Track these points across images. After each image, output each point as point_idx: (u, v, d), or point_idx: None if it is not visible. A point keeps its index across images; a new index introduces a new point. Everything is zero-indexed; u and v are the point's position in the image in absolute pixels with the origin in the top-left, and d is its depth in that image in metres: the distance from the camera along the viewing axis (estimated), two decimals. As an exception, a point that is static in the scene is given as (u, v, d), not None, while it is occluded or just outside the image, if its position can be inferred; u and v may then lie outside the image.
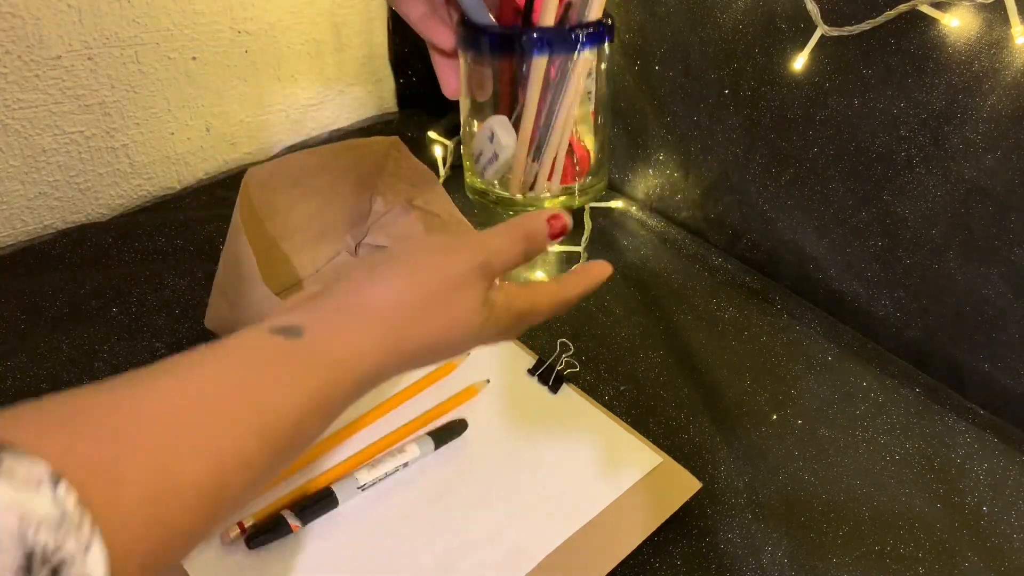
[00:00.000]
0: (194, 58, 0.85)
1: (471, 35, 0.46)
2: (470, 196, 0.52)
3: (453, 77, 0.49)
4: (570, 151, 0.49)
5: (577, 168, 0.50)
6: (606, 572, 0.54)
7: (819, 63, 0.72)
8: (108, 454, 0.27)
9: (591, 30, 0.45)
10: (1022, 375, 0.70)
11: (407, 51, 1.02)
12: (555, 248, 0.82)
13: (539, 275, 0.79)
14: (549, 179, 0.49)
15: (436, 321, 0.38)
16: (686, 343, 0.73)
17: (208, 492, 0.29)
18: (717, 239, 0.85)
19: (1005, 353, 0.70)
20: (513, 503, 0.58)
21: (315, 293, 0.39)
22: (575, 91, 0.46)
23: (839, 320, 0.77)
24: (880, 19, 0.66)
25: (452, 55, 0.49)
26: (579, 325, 0.74)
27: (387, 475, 0.58)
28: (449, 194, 0.71)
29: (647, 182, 0.88)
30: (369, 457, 0.59)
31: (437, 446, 0.60)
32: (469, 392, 0.64)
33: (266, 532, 0.54)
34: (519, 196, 0.49)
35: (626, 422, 0.64)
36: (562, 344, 0.71)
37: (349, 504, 0.57)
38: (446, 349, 0.40)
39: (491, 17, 0.46)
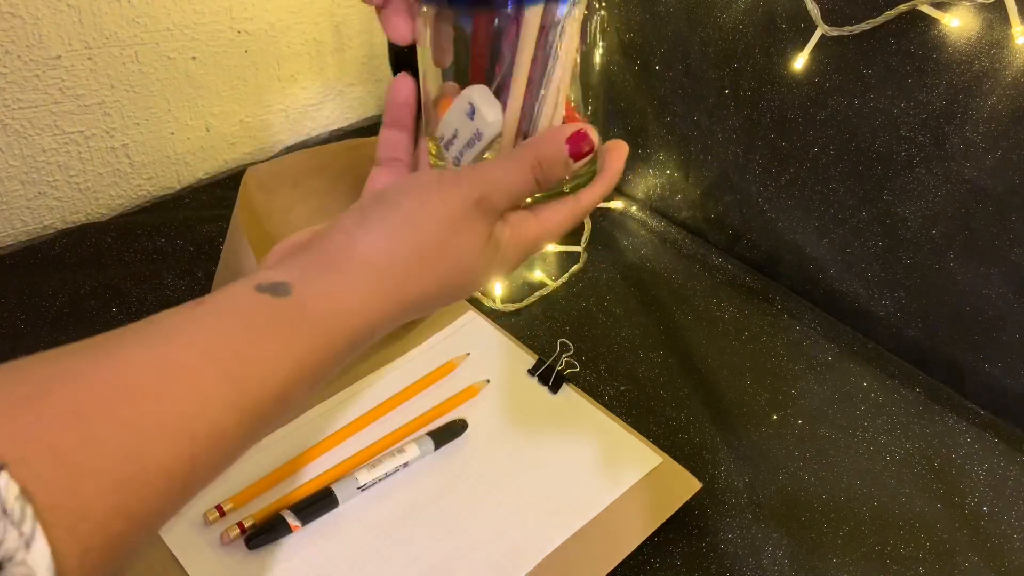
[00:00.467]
0: (194, 58, 0.85)
1: None
2: None
3: (402, 21, 0.42)
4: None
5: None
6: (606, 572, 0.54)
7: (819, 63, 0.72)
8: (68, 441, 0.25)
9: None
10: (1022, 375, 0.70)
11: (407, 51, 1.02)
12: (554, 248, 0.82)
13: (538, 274, 0.79)
14: None
15: (436, 269, 0.36)
16: (686, 343, 0.73)
17: (178, 475, 0.28)
18: (717, 239, 0.85)
19: (1005, 353, 0.70)
20: (513, 503, 0.58)
21: (304, 244, 0.36)
22: (569, 49, 0.39)
23: (839, 320, 0.77)
24: (880, 19, 0.66)
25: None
26: (579, 325, 0.74)
27: (387, 475, 0.58)
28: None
29: (647, 182, 0.88)
30: (369, 457, 0.59)
31: (437, 446, 0.60)
32: (469, 392, 0.64)
33: (266, 532, 0.54)
34: None
35: (626, 422, 0.64)
36: (562, 344, 0.71)
37: (349, 504, 0.57)
38: (450, 295, 0.37)
39: None
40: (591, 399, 0.65)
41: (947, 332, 0.73)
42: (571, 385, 0.66)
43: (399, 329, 0.69)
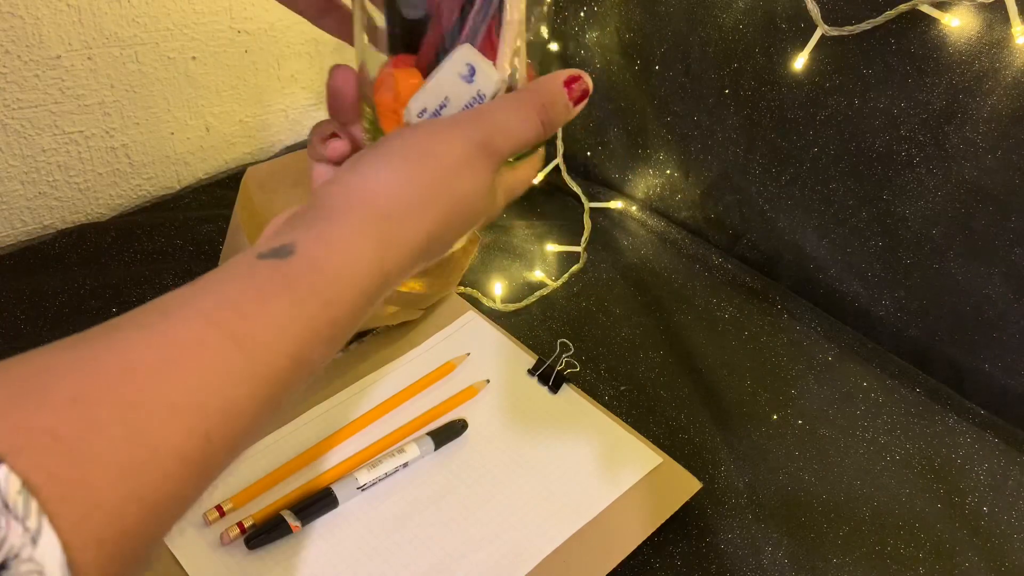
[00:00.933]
0: (194, 58, 0.85)
1: None
2: None
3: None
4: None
5: None
6: (606, 572, 0.54)
7: (819, 63, 0.72)
8: (71, 428, 0.24)
9: None
10: (1022, 375, 0.70)
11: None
12: (554, 248, 0.82)
13: (538, 274, 0.79)
14: None
15: (440, 210, 0.34)
16: (686, 343, 0.73)
17: (192, 456, 0.26)
18: (717, 239, 0.85)
19: (1005, 353, 0.70)
20: (513, 503, 0.58)
21: (298, 210, 0.34)
22: None
23: (839, 320, 0.77)
24: (880, 19, 0.66)
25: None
26: (579, 325, 0.74)
27: (387, 475, 0.58)
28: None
29: (647, 182, 0.88)
30: (369, 457, 0.59)
31: (437, 446, 0.60)
32: (469, 392, 0.64)
33: (266, 532, 0.54)
34: None
35: (626, 422, 0.64)
36: (562, 344, 0.71)
37: (349, 504, 0.57)
38: (453, 238, 0.36)
39: None
40: (591, 399, 0.65)
41: (947, 332, 0.73)
42: (571, 385, 0.66)
43: (399, 329, 0.69)
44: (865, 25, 0.67)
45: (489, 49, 0.38)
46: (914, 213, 0.71)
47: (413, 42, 0.38)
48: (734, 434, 0.65)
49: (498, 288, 0.77)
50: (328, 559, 0.54)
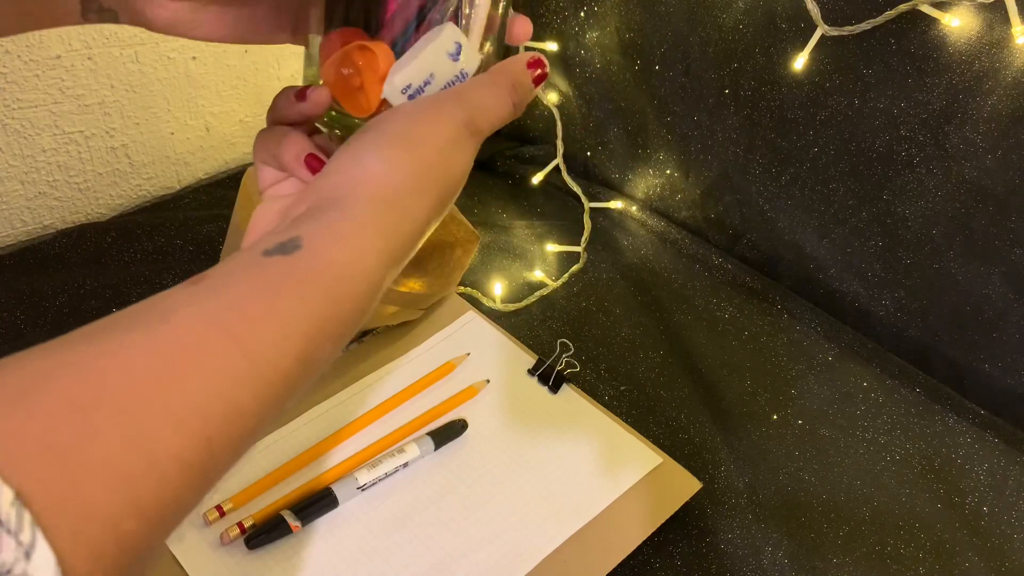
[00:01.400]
0: (194, 58, 0.85)
1: None
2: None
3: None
4: None
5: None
6: (606, 572, 0.54)
7: (819, 63, 0.72)
8: (65, 436, 0.23)
9: None
10: (1022, 375, 0.70)
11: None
12: (554, 248, 0.82)
13: (538, 274, 0.79)
14: None
15: (434, 191, 0.34)
16: (686, 343, 0.73)
17: (193, 462, 0.25)
18: (717, 239, 0.85)
19: (1005, 353, 0.70)
20: (513, 503, 0.58)
21: (300, 203, 0.34)
22: None
23: (839, 320, 0.77)
24: (880, 19, 0.66)
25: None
26: (579, 325, 0.74)
27: (387, 475, 0.58)
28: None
29: (647, 182, 0.88)
30: (369, 457, 0.59)
31: (437, 446, 0.60)
32: (469, 392, 0.64)
33: (266, 532, 0.54)
34: None
35: (626, 422, 0.64)
36: (562, 344, 0.71)
37: (349, 504, 0.57)
38: (439, 215, 0.36)
39: None
40: (591, 399, 0.65)
41: (947, 332, 0.73)
42: (571, 385, 0.66)
43: (399, 329, 0.69)
44: (865, 25, 0.67)
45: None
46: (914, 213, 0.71)
47: (351, 16, 0.38)
48: (734, 434, 0.65)
49: (498, 288, 0.77)
50: (328, 559, 0.54)
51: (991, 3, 0.62)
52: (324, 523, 0.56)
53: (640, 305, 0.77)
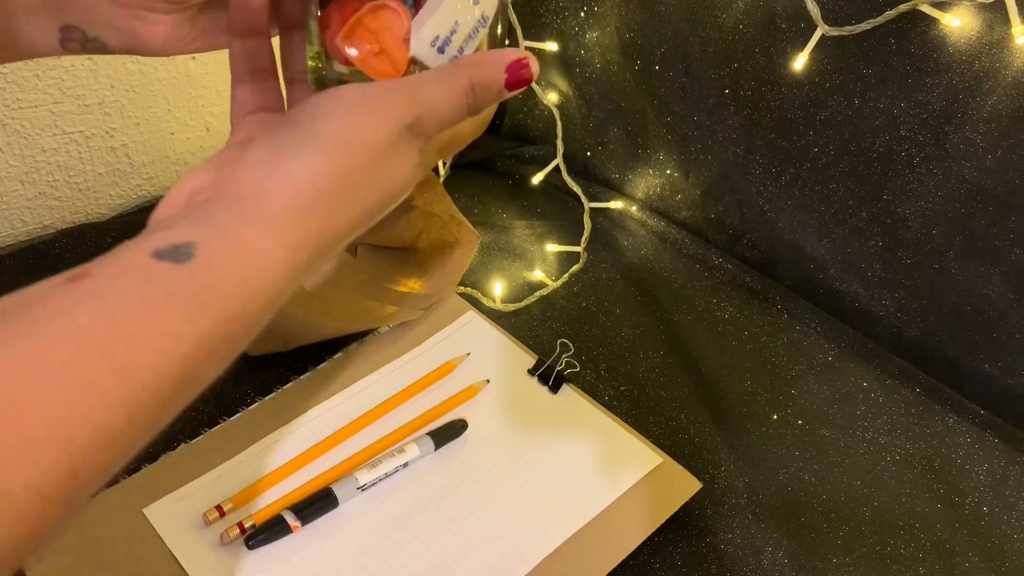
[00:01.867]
0: (194, 58, 0.85)
1: None
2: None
3: None
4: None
5: None
6: (606, 572, 0.54)
7: (819, 63, 0.72)
8: None
9: None
10: (1022, 375, 0.70)
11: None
12: (554, 248, 0.82)
13: (538, 274, 0.79)
14: None
15: (363, 199, 0.32)
16: (686, 343, 0.73)
17: (54, 494, 0.23)
18: (717, 239, 0.85)
19: (1005, 353, 0.70)
20: (513, 503, 0.58)
21: (208, 187, 0.31)
22: None
23: (839, 320, 0.77)
24: (880, 19, 0.66)
25: None
26: (579, 325, 0.74)
27: (387, 475, 0.58)
28: (449, 194, 0.71)
29: (647, 182, 0.88)
30: (369, 457, 0.59)
31: (437, 446, 0.60)
32: (469, 392, 0.64)
33: (266, 532, 0.54)
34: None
35: (626, 422, 0.64)
36: (562, 344, 0.71)
37: (349, 504, 0.57)
38: (373, 220, 0.33)
39: None
40: (591, 399, 0.65)
41: (947, 332, 0.73)
42: (571, 385, 0.66)
43: (399, 329, 0.69)
44: (865, 25, 0.67)
45: None
46: (914, 213, 0.71)
47: None
48: (734, 434, 0.65)
49: (498, 288, 0.77)
50: (328, 559, 0.54)
51: (991, 3, 0.62)
52: (324, 523, 0.56)
53: (640, 305, 0.77)
